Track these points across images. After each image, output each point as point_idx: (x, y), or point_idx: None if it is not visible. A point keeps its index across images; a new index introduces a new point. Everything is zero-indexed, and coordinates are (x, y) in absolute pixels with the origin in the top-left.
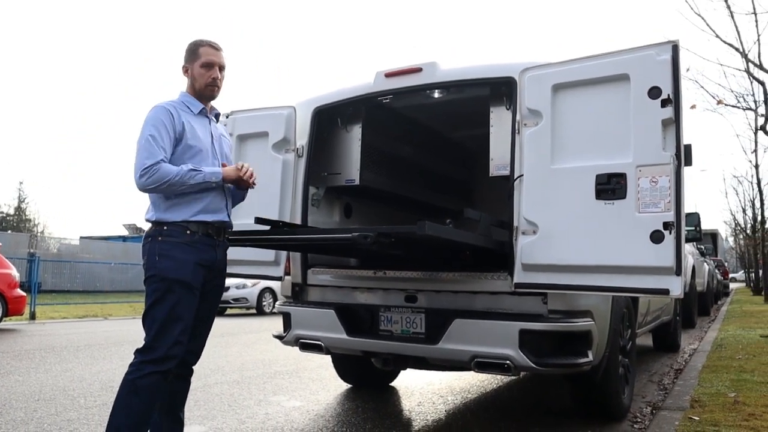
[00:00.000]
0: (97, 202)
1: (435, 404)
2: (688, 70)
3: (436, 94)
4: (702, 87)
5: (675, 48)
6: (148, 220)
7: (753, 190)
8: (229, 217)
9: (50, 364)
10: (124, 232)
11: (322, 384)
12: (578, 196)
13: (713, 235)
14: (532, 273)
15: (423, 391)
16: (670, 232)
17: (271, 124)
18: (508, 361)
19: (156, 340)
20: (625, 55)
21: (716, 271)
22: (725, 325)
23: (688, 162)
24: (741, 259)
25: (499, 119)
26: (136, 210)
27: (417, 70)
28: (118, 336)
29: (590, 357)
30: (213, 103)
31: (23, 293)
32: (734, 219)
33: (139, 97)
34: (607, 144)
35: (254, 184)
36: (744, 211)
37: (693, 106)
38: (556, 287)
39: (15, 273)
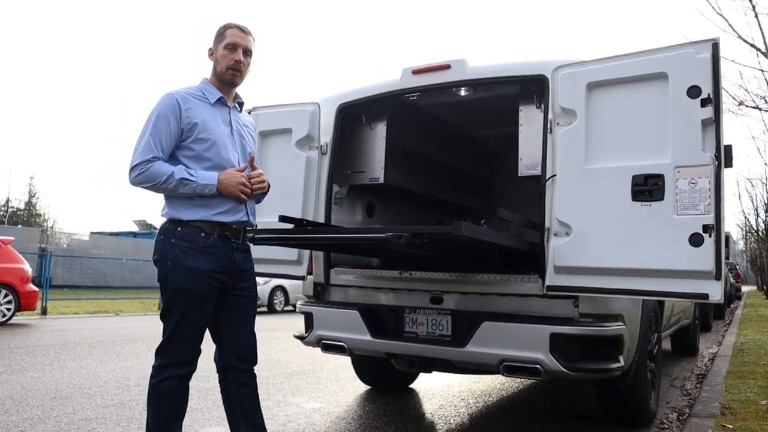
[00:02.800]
0: (106, 199)
1: (457, 407)
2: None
3: (463, 92)
4: (723, 88)
5: (715, 46)
6: (163, 217)
7: (767, 192)
8: (249, 215)
9: (65, 360)
10: (134, 228)
11: (341, 385)
12: (613, 197)
13: (725, 238)
14: (564, 275)
15: (443, 393)
16: (710, 236)
17: (294, 120)
18: (538, 365)
19: (168, 343)
20: (662, 53)
21: (729, 274)
22: (743, 329)
23: (729, 163)
24: (752, 262)
25: (528, 118)
26: (146, 206)
27: (445, 66)
28: (132, 333)
29: (621, 362)
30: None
31: (35, 288)
32: (747, 221)
33: (153, 92)
34: (644, 144)
35: (256, 192)
36: (757, 213)
37: (741, 103)
38: (590, 290)
39: (27, 268)
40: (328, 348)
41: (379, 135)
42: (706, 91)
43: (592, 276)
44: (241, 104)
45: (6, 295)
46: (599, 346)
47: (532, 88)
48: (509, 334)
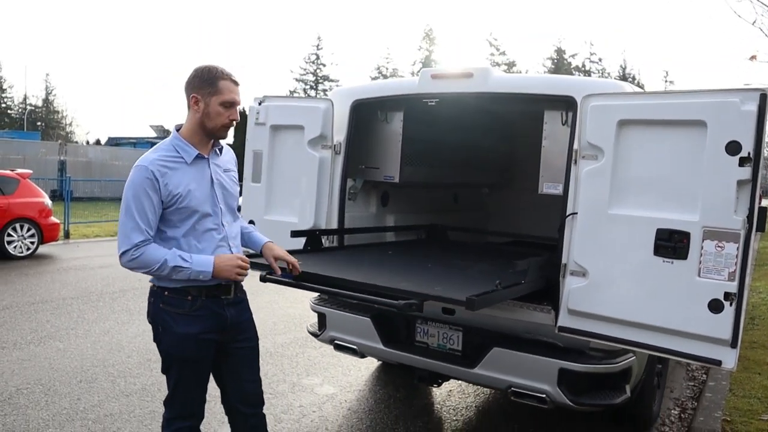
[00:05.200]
0: (123, 98)
1: (465, 394)
2: (754, 23)
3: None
4: (766, 35)
5: (763, 97)
6: (150, 282)
7: None
8: None
9: (89, 323)
10: (152, 133)
11: (353, 358)
12: (635, 248)
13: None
14: (577, 318)
15: None
16: (731, 304)
17: (307, 118)
18: (544, 396)
19: (172, 398)
20: (704, 97)
21: None
22: (756, 279)
23: (761, 227)
24: None
25: (553, 133)
26: (164, 109)
27: (467, 75)
28: None
29: (627, 393)
30: None
31: (57, 220)
32: None
33: None
34: (673, 196)
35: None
36: None
37: (753, 57)
38: (602, 337)
39: (47, 201)
40: (340, 348)
41: (395, 131)
42: (747, 149)
43: (605, 323)
44: (221, 149)
45: (29, 229)
46: (607, 380)
47: (559, 105)
48: (518, 363)
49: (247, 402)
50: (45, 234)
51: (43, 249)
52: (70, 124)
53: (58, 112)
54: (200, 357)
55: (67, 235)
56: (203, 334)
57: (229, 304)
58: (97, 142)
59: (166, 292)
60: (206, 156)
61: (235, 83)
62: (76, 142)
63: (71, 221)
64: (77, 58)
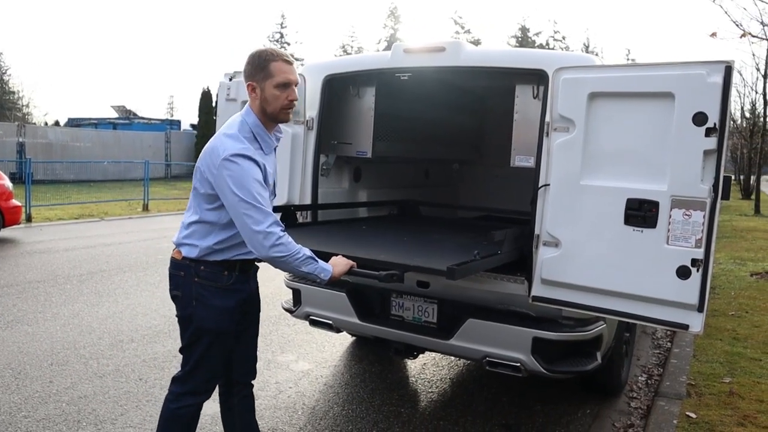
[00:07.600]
0: (83, 79)
1: (439, 367)
2: (714, 0)
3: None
4: (726, 13)
5: (728, 69)
6: (185, 255)
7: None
8: None
9: (57, 305)
10: (113, 114)
11: (327, 334)
12: (606, 218)
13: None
14: (550, 288)
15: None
16: (698, 270)
17: None
18: (519, 364)
19: (191, 374)
20: (672, 70)
21: None
22: (716, 251)
23: (725, 196)
24: (732, 156)
25: (524, 106)
26: (124, 90)
27: (440, 48)
28: (119, 256)
29: (598, 360)
30: None
31: (18, 203)
32: (733, 120)
33: None
34: (642, 166)
35: None
36: (743, 112)
37: (713, 34)
38: (574, 306)
39: (8, 183)
40: (315, 323)
41: (366, 106)
42: (713, 120)
43: (577, 292)
44: (278, 138)
45: None
46: (579, 347)
47: (531, 78)
48: (493, 334)
49: (249, 372)
50: (6, 217)
51: (4, 233)
52: (27, 105)
53: (13, 92)
54: (231, 329)
55: (29, 219)
56: (238, 308)
57: (252, 276)
58: (56, 124)
59: (202, 267)
60: (276, 144)
61: (288, 62)
62: (35, 124)
63: (33, 204)
64: (30, 36)
